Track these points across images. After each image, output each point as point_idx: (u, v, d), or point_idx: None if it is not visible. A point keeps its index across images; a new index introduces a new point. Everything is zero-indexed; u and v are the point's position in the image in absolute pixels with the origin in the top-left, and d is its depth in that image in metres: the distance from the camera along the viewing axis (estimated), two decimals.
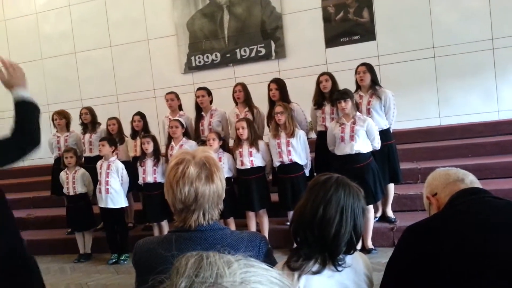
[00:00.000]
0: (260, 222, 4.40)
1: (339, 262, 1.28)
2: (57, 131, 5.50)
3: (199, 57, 7.14)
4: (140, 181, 4.63)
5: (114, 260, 4.66)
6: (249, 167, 4.24)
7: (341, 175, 1.38)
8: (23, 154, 1.73)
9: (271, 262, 1.30)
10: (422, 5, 6.12)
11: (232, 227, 4.40)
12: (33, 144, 1.72)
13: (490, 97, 5.98)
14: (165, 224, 4.58)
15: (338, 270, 1.28)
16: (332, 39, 6.51)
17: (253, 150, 4.23)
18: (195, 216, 1.20)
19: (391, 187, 4.36)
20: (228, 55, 7.00)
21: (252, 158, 4.23)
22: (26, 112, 1.72)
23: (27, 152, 1.72)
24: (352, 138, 3.87)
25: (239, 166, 4.30)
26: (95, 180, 4.76)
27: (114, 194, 4.60)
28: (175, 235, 1.22)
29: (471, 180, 1.40)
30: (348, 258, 1.32)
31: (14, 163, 1.77)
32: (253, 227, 4.42)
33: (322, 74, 4.43)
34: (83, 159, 5.32)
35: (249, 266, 0.53)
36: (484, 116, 5.91)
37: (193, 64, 7.17)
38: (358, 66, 4.32)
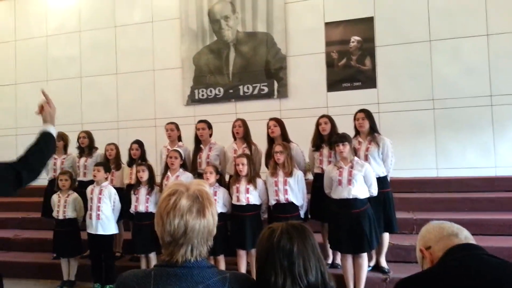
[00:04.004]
0: (251, 262, 4.28)
1: None
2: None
3: (202, 91, 7.24)
4: (132, 210, 4.55)
5: None
6: (244, 204, 4.18)
7: (281, 226, 1.29)
8: (19, 181, 1.72)
9: None
10: (424, 57, 6.27)
11: (222, 265, 4.30)
12: (32, 173, 1.76)
13: (487, 152, 6.02)
14: (153, 257, 4.46)
15: None
16: (334, 84, 6.64)
17: (251, 187, 4.19)
18: (183, 251, 1.16)
19: (386, 236, 4.28)
20: (231, 91, 7.10)
21: (249, 195, 4.19)
22: (45, 144, 1.84)
23: (24, 178, 1.73)
24: (349, 182, 3.85)
25: (234, 202, 4.24)
26: (86, 205, 4.69)
27: (105, 220, 4.50)
28: (160, 269, 1.18)
29: (465, 236, 1.38)
30: None
31: (10, 191, 1.76)
32: (243, 266, 4.30)
33: (322, 116, 4.47)
34: (76, 183, 5.27)
35: None
36: (481, 171, 5.92)
37: (196, 97, 7.26)
38: (356, 112, 4.34)
